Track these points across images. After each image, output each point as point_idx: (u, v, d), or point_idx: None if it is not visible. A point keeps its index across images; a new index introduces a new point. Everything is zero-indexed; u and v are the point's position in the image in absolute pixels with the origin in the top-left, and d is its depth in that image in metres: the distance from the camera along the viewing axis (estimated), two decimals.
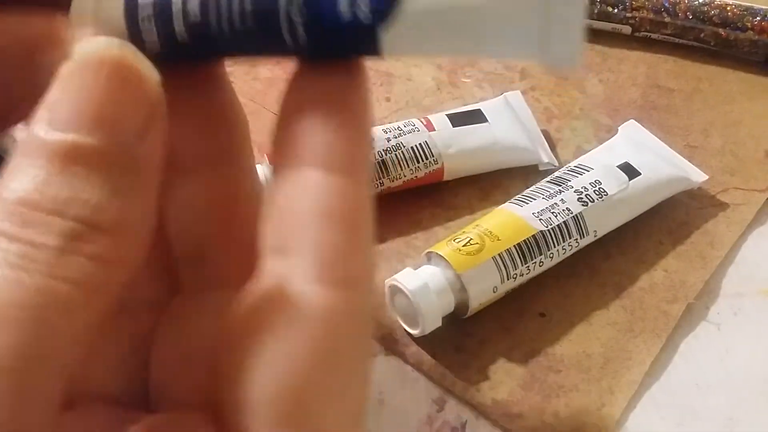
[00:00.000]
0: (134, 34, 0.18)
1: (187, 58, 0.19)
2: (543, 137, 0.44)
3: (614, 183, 0.39)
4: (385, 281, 0.36)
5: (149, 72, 0.16)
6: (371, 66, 0.52)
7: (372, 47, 0.18)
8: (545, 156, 0.43)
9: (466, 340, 0.36)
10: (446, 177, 0.41)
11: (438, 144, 0.41)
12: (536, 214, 0.37)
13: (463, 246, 0.35)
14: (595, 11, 0.50)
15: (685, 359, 0.36)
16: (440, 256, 0.35)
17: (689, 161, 0.42)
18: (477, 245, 0.35)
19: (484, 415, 0.34)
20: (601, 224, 0.38)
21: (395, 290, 0.35)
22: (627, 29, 0.51)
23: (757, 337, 0.37)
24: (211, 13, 0.18)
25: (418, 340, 0.36)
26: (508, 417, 0.33)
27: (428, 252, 0.36)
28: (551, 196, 0.38)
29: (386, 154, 0.40)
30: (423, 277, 0.35)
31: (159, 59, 0.17)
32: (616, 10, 0.50)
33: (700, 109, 0.47)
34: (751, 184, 0.43)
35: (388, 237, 0.40)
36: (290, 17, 0.18)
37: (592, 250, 0.38)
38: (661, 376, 0.35)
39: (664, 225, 0.41)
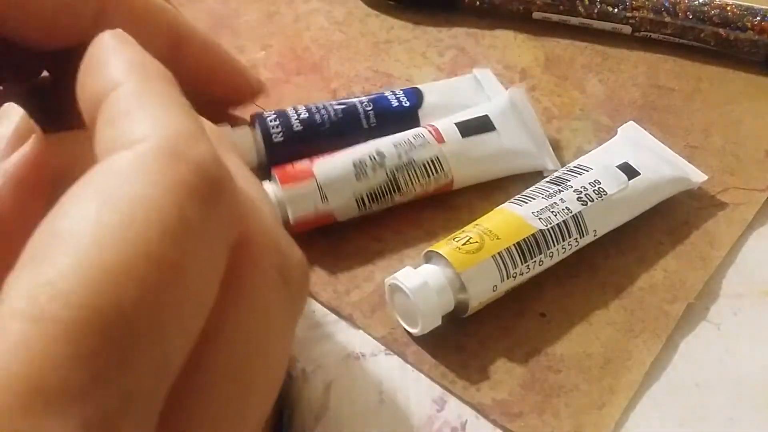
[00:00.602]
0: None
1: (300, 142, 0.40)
2: (548, 142, 0.43)
3: (614, 183, 0.39)
4: (385, 280, 0.36)
5: (23, 120, 0.21)
6: (372, 67, 0.52)
7: (414, 120, 0.43)
8: (551, 163, 0.42)
9: (466, 339, 0.36)
10: (455, 187, 0.41)
11: (449, 158, 0.40)
12: (536, 214, 0.37)
13: (463, 245, 0.35)
14: (595, 11, 0.50)
15: (685, 359, 0.36)
16: (440, 255, 0.35)
17: (689, 161, 0.42)
18: (477, 244, 0.35)
19: (484, 415, 0.34)
20: (600, 224, 0.38)
21: (395, 289, 0.35)
22: (627, 29, 0.51)
23: (757, 337, 0.37)
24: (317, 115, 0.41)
25: (418, 340, 0.36)
26: (508, 417, 0.33)
27: (428, 251, 0.36)
28: (551, 195, 0.38)
29: (398, 172, 0.39)
30: (423, 275, 0.35)
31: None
32: (616, 10, 0.50)
33: (700, 109, 0.47)
34: (751, 184, 0.43)
35: (388, 236, 0.40)
36: (366, 112, 0.42)
37: (592, 249, 0.38)
38: (661, 376, 0.35)
39: (664, 225, 0.41)
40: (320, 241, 0.39)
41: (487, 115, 0.42)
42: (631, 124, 0.44)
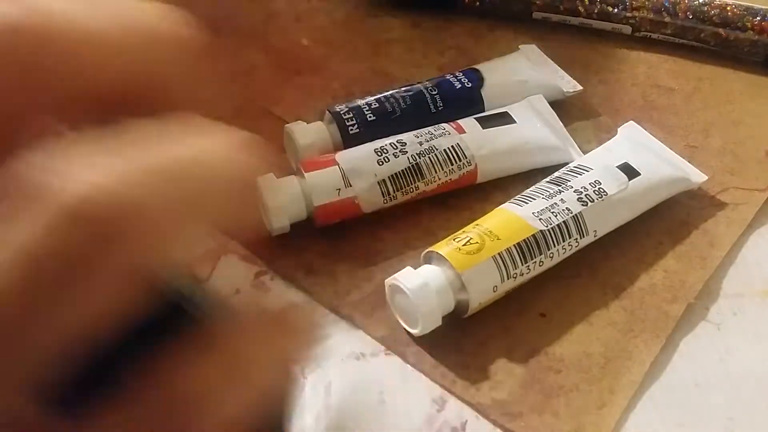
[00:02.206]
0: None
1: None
2: (570, 136, 0.44)
3: (614, 183, 0.39)
4: (386, 281, 0.36)
5: None
6: (372, 67, 0.52)
7: (479, 100, 0.44)
8: (576, 155, 0.43)
9: (466, 339, 0.36)
10: (480, 179, 0.41)
11: (470, 146, 0.41)
12: (536, 214, 0.37)
13: (463, 245, 0.35)
14: (595, 11, 0.50)
15: (685, 359, 0.36)
16: (440, 255, 0.35)
17: (689, 161, 0.42)
18: (477, 245, 0.35)
19: (484, 415, 0.34)
20: (600, 224, 0.38)
21: (395, 289, 0.35)
22: (627, 29, 0.51)
23: (757, 337, 0.37)
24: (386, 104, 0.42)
25: (419, 340, 0.36)
26: (508, 417, 0.33)
27: (428, 252, 0.36)
28: (551, 196, 0.38)
29: (420, 158, 0.40)
30: (423, 276, 0.35)
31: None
32: (616, 10, 0.50)
33: (700, 109, 0.47)
34: (751, 184, 0.43)
35: (388, 236, 0.40)
36: (432, 96, 0.43)
37: (592, 250, 0.38)
38: (661, 376, 0.35)
39: (664, 225, 0.41)
40: (321, 241, 0.39)
41: (506, 112, 0.43)
42: (631, 124, 0.44)
